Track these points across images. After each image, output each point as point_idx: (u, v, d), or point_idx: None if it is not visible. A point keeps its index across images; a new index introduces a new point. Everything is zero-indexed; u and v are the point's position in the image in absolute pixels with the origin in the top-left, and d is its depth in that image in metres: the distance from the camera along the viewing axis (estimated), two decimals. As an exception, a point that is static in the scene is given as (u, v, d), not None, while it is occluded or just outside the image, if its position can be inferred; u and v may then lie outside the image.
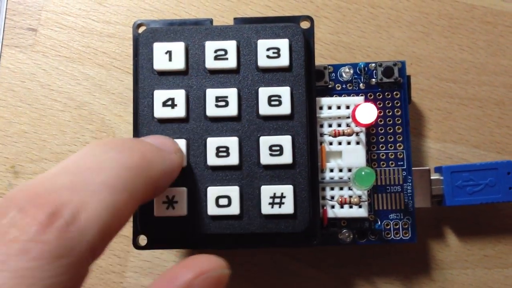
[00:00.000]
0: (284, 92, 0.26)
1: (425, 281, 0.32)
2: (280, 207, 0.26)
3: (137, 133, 0.27)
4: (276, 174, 0.26)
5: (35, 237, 0.16)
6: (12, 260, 0.15)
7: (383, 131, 0.30)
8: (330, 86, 0.30)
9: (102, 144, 0.21)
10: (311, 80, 0.27)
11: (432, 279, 0.32)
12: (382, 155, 0.30)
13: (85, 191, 0.18)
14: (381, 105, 0.30)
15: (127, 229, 0.32)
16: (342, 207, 0.29)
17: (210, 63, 0.27)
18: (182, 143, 0.26)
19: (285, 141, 0.26)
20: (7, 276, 0.15)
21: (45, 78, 0.34)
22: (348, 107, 0.29)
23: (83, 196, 0.18)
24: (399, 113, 0.30)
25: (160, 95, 0.27)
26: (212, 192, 0.26)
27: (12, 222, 0.16)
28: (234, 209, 0.26)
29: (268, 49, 0.27)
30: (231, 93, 0.26)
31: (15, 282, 0.15)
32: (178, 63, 0.27)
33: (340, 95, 0.30)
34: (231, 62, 0.27)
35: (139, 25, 0.28)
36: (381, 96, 0.30)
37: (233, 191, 0.26)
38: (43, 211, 0.16)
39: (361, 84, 0.30)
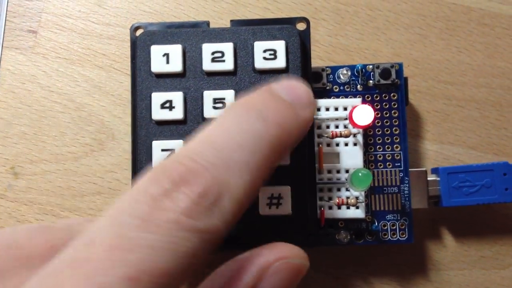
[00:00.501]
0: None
1: (422, 282, 0.32)
2: (277, 207, 0.26)
3: (135, 135, 0.27)
4: (274, 175, 0.26)
5: (185, 212, 0.17)
6: (166, 226, 0.17)
7: (380, 132, 0.30)
8: (328, 87, 0.30)
9: (246, 112, 0.21)
10: (308, 81, 0.27)
11: (429, 280, 0.32)
12: (380, 156, 0.30)
13: (229, 172, 0.18)
14: (379, 106, 0.30)
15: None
16: (339, 208, 0.29)
17: (207, 65, 0.27)
18: (180, 144, 0.26)
19: (282, 142, 0.26)
20: (161, 240, 0.16)
21: (45, 80, 0.34)
22: (345, 109, 0.29)
23: (228, 176, 0.18)
24: (396, 114, 0.30)
25: (158, 97, 0.27)
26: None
27: (166, 193, 0.17)
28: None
29: (264, 51, 0.27)
30: (229, 95, 0.27)
31: (167, 247, 0.16)
32: (176, 65, 0.27)
33: (337, 96, 0.30)
34: (228, 64, 0.27)
35: (137, 28, 0.28)
36: (378, 98, 0.30)
37: None
38: (195, 190, 0.17)
39: (358, 86, 0.30)
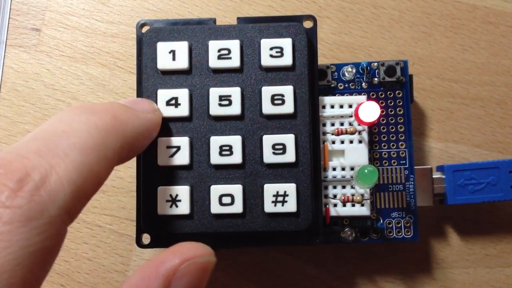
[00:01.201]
0: (287, 91, 0.27)
1: (427, 280, 0.32)
2: (283, 205, 0.26)
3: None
4: (279, 172, 0.27)
5: (5, 203, 0.16)
6: None
7: (385, 130, 0.30)
8: (332, 85, 0.30)
9: (72, 109, 0.21)
10: (314, 79, 0.27)
11: (433, 278, 0.32)
12: (385, 154, 0.30)
13: (54, 154, 0.18)
14: (384, 104, 0.30)
15: (130, 228, 0.33)
16: (344, 205, 0.29)
17: (214, 62, 0.27)
18: (185, 141, 0.26)
19: (288, 139, 0.26)
20: None
21: (49, 78, 0.34)
22: (350, 106, 0.29)
23: (52, 159, 0.18)
24: (401, 112, 0.30)
25: (163, 94, 0.27)
26: (216, 190, 0.26)
27: None
28: (237, 208, 0.26)
29: (271, 49, 0.27)
30: (235, 92, 0.27)
31: None
32: (182, 62, 0.27)
33: (342, 94, 0.30)
34: (234, 61, 0.27)
35: (143, 25, 0.28)
36: (383, 95, 0.30)
37: (236, 189, 0.26)
38: (12, 177, 0.17)
39: (363, 83, 0.30)
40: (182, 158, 0.26)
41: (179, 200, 0.26)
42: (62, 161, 0.18)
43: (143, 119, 0.23)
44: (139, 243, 0.27)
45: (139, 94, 0.27)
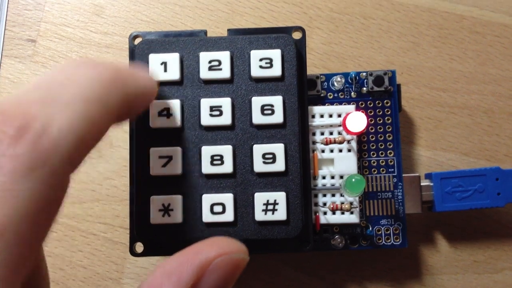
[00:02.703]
0: (277, 101, 0.27)
1: (416, 286, 0.32)
2: (273, 213, 0.27)
3: (132, 143, 0.28)
4: (269, 181, 0.27)
5: (6, 152, 0.16)
6: None
7: (374, 138, 0.31)
8: (322, 95, 0.31)
9: (73, 61, 0.21)
10: (303, 89, 0.28)
11: (422, 284, 0.32)
12: (373, 162, 0.31)
13: (56, 103, 0.18)
14: (372, 113, 0.31)
15: (124, 236, 0.33)
16: (334, 213, 0.29)
17: (205, 73, 0.27)
18: (177, 151, 0.27)
19: (278, 149, 0.27)
20: None
21: (44, 88, 0.35)
22: (339, 116, 0.30)
23: (55, 108, 0.18)
24: (390, 121, 0.31)
25: (155, 105, 0.27)
26: (207, 199, 0.27)
27: None
28: (229, 216, 0.27)
29: (261, 59, 0.27)
30: (225, 103, 0.27)
31: None
32: (173, 73, 0.27)
33: (332, 103, 0.31)
34: (224, 72, 0.27)
35: (135, 37, 0.29)
36: (372, 105, 0.31)
37: (228, 198, 0.27)
38: (12, 125, 0.16)
39: (352, 93, 0.31)
40: (174, 168, 0.27)
41: (172, 209, 0.27)
42: (64, 111, 0.18)
43: (142, 80, 0.23)
44: (132, 251, 0.28)
45: (132, 104, 0.28)
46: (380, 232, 0.30)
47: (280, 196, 0.27)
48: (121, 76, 0.21)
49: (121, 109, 0.21)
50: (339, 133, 0.30)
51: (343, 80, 0.31)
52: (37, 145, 0.16)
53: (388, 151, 0.31)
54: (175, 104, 0.27)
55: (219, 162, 0.27)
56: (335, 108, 0.30)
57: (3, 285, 0.15)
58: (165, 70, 0.27)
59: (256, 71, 0.27)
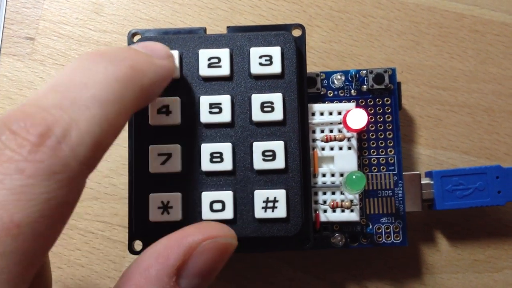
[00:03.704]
0: (277, 98, 0.27)
1: (416, 285, 0.32)
2: (273, 211, 0.26)
3: (131, 140, 0.27)
4: (269, 179, 0.27)
5: (28, 157, 0.17)
6: (8, 179, 0.16)
7: (374, 136, 0.31)
8: (322, 92, 0.31)
9: (90, 56, 0.21)
10: (303, 87, 0.28)
11: (423, 283, 0.32)
12: (374, 160, 0.30)
13: (75, 108, 0.18)
14: (372, 111, 0.31)
15: (123, 235, 0.33)
16: (334, 211, 0.29)
17: (204, 70, 0.27)
18: (177, 149, 0.27)
19: (278, 146, 0.27)
20: (6, 194, 0.16)
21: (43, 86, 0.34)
22: (339, 113, 0.30)
23: (73, 112, 0.18)
24: (390, 119, 0.31)
25: (155, 103, 0.27)
26: (206, 197, 0.27)
27: (5, 144, 0.17)
28: (228, 214, 0.27)
29: (260, 57, 0.27)
30: (225, 100, 0.27)
31: (13, 199, 0.16)
32: (173, 71, 0.27)
33: (332, 101, 0.31)
34: (224, 69, 0.27)
35: (134, 34, 0.29)
36: (372, 103, 0.31)
37: (227, 196, 0.27)
38: (34, 132, 0.17)
39: (352, 91, 0.31)
40: (173, 165, 0.27)
41: (171, 207, 0.27)
42: (83, 115, 0.18)
43: (159, 67, 0.23)
44: (131, 249, 0.28)
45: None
46: (380, 230, 0.30)
47: (280, 194, 0.27)
48: (139, 68, 0.21)
49: (138, 103, 0.21)
50: (339, 130, 0.29)
51: (343, 78, 0.31)
52: (57, 151, 0.17)
53: (389, 149, 0.30)
54: (174, 102, 0.27)
55: (218, 159, 0.27)
56: (335, 106, 0.30)
57: (16, 281, 0.16)
58: (165, 67, 0.27)
59: (255, 69, 0.27)
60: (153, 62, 0.22)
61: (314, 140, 0.30)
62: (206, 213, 0.26)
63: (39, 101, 0.18)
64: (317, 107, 0.30)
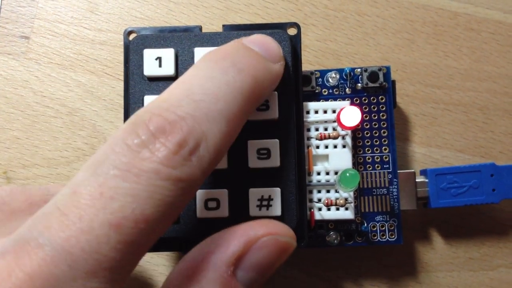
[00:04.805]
0: (272, 96, 0.27)
1: (411, 283, 0.32)
2: (268, 209, 0.26)
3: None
4: (264, 177, 0.27)
5: (163, 161, 0.18)
6: (145, 176, 0.18)
7: (369, 134, 0.31)
8: (317, 91, 0.31)
9: (219, 61, 0.21)
10: (298, 85, 0.28)
11: (418, 281, 0.32)
12: (368, 158, 0.30)
13: (206, 121, 0.19)
14: (367, 109, 0.31)
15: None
16: (329, 209, 0.29)
17: (199, 68, 0.27)
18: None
19: (273, 144, 0.27)
20: (141, 189, 0.18)
21: (38, 85, 0.34)
22: (334, 111, 0.30)
23: (205, 126, 0.19)
24: (385, 117, 0.31)
25: (150, 100, 0.27)
26: (201, 195, 0.27)
27: (144, 143, 0.18)
28: (223, 212, 0.26)
29: (255, 55, 0.27)
30: (220, 98, 0.27)
31: (147, 195, 0.18)
32: (168, 69, 0.27)
33: (326, 99, 0.31)
34: (219, 67, 0.27)
35: (130, 32, 0.29)
36: (366, 101, 0.31)
37: (222, 194, 0.27)
38: (172, 139, 0.18)
39: (347, 89, 0.31)
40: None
41: (166, 205, 0.26)
42: (212, 129, 0.19)
43: (274, 73, 0.24)
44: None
45: (126, 100, 0.28)
46: (375, 228, 0.30)
47: (274, 192, 0.26)
48: (260, 80, 0.22)
49: (253, 111, 0.23)
50: (334, 129, 0.30)
51: (338, 76, 0.31)
52: (187, 161, 0.19)
53: (383, 147, 0.31)
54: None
55: (213, 157, 0.27)
56: (329, 104, 0.30)
57: (129, 268, 0.19)
58: (160, 66, 0.27)
59: (250, 67, 0.27)
60: (270, 70, 0.23)
61: (308, 138, 0.30)
62: (201, 211, 0.26)
63: (175, 107, 0.19)
64: (311, 105, 0.30)
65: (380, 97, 0.31)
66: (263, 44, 0.24)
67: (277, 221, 0.22)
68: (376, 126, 0.31)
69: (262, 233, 0.20)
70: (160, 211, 0.18)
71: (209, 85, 0.20)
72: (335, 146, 0.29)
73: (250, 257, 0.20)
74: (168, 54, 0.27)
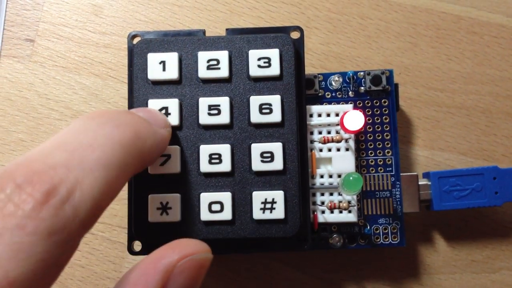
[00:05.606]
0: (275, 100, 0.27)
1: (414, 286, 0.32)
2: (271, 212, 0.27)
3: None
4: (267, 180, 0.27)
5: (31, 214, 0.16)
6: (8, 233, 0.16)
7: (372, 137, 0.31)
8: (320, 94, 0.31)
9: (96, 118, 0.21)
10: (301, 89, 0.28)
11: (420, 284, 0.32)
12: (371, 161, 0.31)
13: (80, 169, 0.18)
14: (370, 112, 0.31)
15: (122, 236, 0.33)
16: (332, 212, 0.29)
17: (203, 72, 0.27)
18: (176, 150, 0.27)
19: (276, 148, 0.27)
20: (4, 250, 0.16)
21: (42, 88, 0.35)
22: (337, 115, 0.30)
23: (78, 174, 0.18)
24: (388, 120, 0.31)
25: (154, 104, 0.27)
26: (205, 198, 0.27)
27: (9, 197, 0.17)
28: (227, 215, 0.27)
29: (259, 59, 0.27)
30: (223, 102, 0.27)
31: (11, 255, 0.16)
32: (172, 72, 0.27)
33: (329, 103, 0.31)
34: (223, 71, 0.27)
35: (134, 36, 0.29)
36: (369, 104, 0.31)
37: (226, 197, 0.27)
38: (40, 189, 0.17)
39: (350, 92, 0.31)
40: (172, 166, 0.27)
41: (170, 208, 0.27)
42: (87, 177, 0.18)
43: (158, 135, 0.24)
44: (130, 250, 0.28)
45: (130, 103, 0.28)
46: (378, 231, 0.30)
47: (278, 195, 0.27)
48: (141, 135, 0.22)
49: (137, 167, 0.22)
50: (337, 132, 0.30)
51: (341, 80, 0.31)
52: (60, 211, 0.17)
53: (386, 150, 0.31)
54: (173, 103, 0.27)
55: (217, 160, 0.27)
56: (333, 108, 0.30)
57: None
58: (164, 69, 0.27)
59: (254, 71, 0.27)
60: (154, 131, 0.23)
61: (312, 142, 0.30)
62: (204, 214, 0.27)
63: (46, 158, 0.18)
64: (315, 108, 0.30)
65: (383, 100, 0.31)
66: (147, 111, 0.25)
67: (187, 239, 0.21)
68: (379, 129, 0.31)
69: (177, 258, 0.19)
70: (30, 270, 0.16)
71: (83, 136, 0.20)
72: (338, 149, 0.30)
73: (171, 286, 0.19)
74: (172, 58, 0.28)
